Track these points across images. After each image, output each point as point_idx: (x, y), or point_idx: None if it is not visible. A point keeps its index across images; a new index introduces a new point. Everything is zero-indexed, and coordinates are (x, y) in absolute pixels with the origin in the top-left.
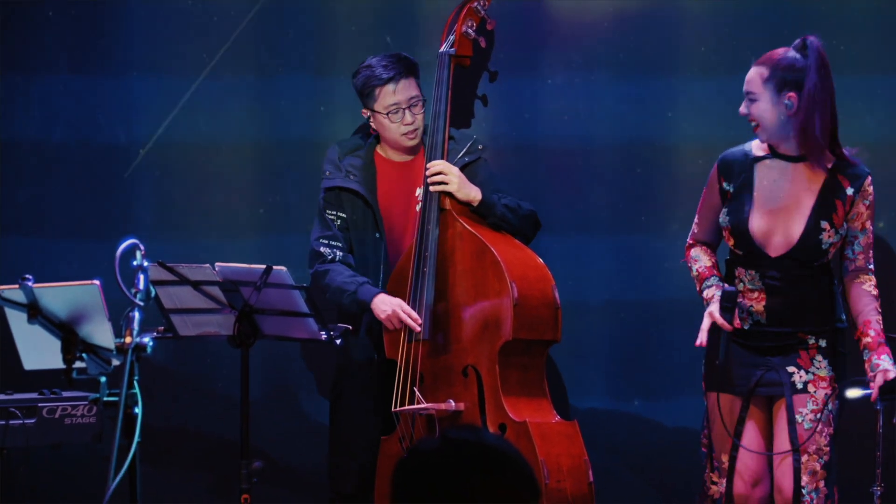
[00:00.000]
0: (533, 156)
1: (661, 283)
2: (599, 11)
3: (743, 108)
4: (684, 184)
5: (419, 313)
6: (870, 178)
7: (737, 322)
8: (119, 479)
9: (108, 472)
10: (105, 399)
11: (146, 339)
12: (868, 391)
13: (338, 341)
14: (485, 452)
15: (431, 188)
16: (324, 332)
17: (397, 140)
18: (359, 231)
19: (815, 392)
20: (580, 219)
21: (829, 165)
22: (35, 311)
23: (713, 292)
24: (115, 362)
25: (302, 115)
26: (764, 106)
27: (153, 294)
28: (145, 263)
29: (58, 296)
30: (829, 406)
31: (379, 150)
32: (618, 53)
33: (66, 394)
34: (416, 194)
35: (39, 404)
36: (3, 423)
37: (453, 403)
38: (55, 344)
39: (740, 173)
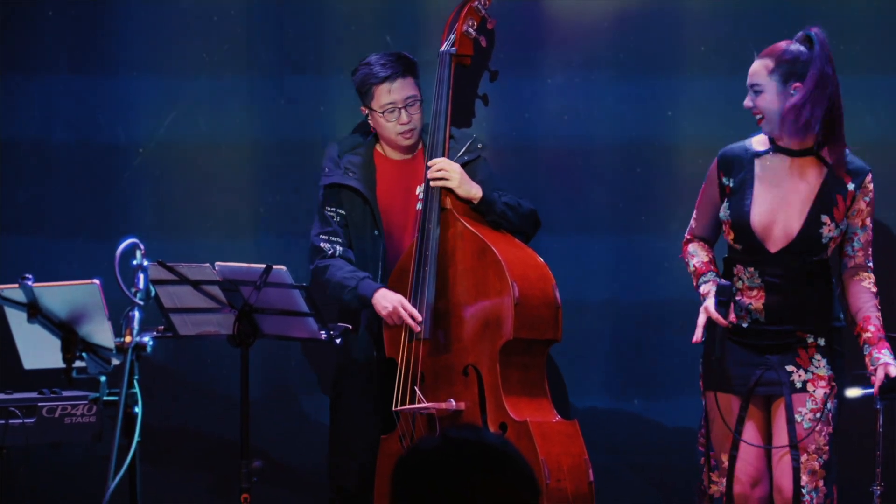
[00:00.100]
0: (533, 155)
1: (661, 282)
2: (599, 11)
3: (748, 102)
4: (685, 184)
5: (420, 312)
6: (871, 174)
7: (732, 317)
8: (119, 479)
9: (107, 471)
10: (105, 398)
11: (146, 339)
12: (868, 391)
13: (338, 341)
14: (485, 452)
15: (432, 184)
16: (324, 332)
17: (393, 139)
18: (357, 228)
19: (814, 391)
20: (580, 219)
21: (831, 160)
22: (35, 311)
23: (709, 287)
24: (115, 362)
25: (302, 115)
26: (770, 97)
27: (153, 293)
28: (145, 263)
29: (58, 295)
30: (829, 405)
31: (378, 147)
32: (618, 53)
33: (65, 393)
34: (417, 193)
35: (39, 404)
36: (2, 422)
37: (454, 403)
38: (55, 343)
39: (740, 168)
